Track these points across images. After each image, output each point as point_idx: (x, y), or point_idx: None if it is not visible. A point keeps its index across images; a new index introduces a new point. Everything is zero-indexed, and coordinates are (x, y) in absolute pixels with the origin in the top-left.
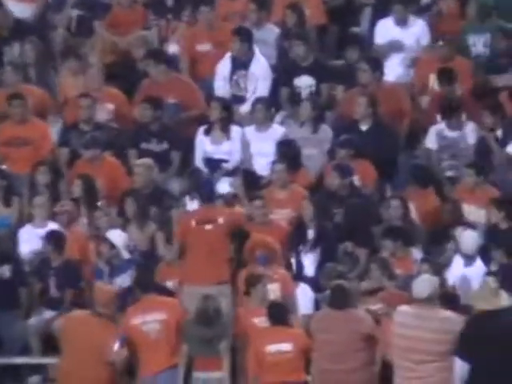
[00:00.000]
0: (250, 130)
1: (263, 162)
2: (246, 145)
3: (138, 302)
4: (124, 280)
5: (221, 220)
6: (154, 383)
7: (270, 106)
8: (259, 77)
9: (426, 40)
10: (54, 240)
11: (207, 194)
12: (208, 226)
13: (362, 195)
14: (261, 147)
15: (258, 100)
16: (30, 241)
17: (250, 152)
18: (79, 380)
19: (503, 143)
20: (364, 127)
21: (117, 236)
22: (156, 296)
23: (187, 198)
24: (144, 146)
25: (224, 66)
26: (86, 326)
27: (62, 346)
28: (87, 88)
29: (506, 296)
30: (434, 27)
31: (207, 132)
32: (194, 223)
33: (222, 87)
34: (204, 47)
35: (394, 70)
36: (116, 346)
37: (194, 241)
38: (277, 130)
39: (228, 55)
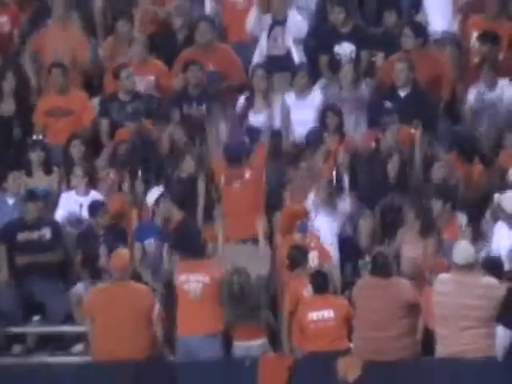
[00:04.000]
0: (289, 98)
1: (303, 130)
2: (286, 112)
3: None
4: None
5: (247, 175)
6: (193, 346)
7: (310, 72)
8: (295, 33)
9: None
10: (97, 210)
11: (233, 156)
12: (236, 184)
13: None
14: (301, 114)
15: (299, 67)
16: (68, 206)
17: (289, 120)
18: (115, 349)
19: None
20: (403, 93)
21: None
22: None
23: None
24: (185, 109)
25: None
26: (113, 296)
27: (92, 318)
28: (131, 59)
29: None
30: None
31: (248, 102)
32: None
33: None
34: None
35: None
36: (156, 308)
37: (225, 199)
38: (316, 97)
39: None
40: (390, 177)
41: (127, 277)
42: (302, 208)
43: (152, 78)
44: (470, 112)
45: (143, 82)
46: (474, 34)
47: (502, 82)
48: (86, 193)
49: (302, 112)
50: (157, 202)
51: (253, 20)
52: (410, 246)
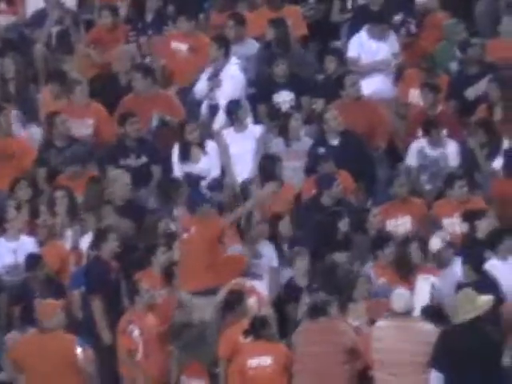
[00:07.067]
0: (228, 132)
1: (244, 161)
2: (225, 150)
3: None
4: None
5: (193, 230)
6: None
7: (247, 107)
8: (228, 81)
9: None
10: (34, 263)
11: (188, 204)
12: (185, 236)
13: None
14: (241, 146)
15: (236, 102)
16: (1, 254)
17: (229, 156)
18: None
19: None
20: (335, 141)
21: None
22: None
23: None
24: (122, 161)
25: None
26: (39, 346)
27: (22, 367)
28: (74, 105)
29: (484, 299)
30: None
31: (182, 154)
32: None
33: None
34: (179, 46)
35: (374, 84)
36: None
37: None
38: (255, 129)
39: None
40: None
41: (56, 326)
42: (238, 255)
43: (91, 121)
44: (408, 169)
45: (83, 126)
46: (412, 89)
47: (445, 140)
48: (16, 238)
49: (241, 144)
50: (91, 247)
51: (202, 84)
52: None
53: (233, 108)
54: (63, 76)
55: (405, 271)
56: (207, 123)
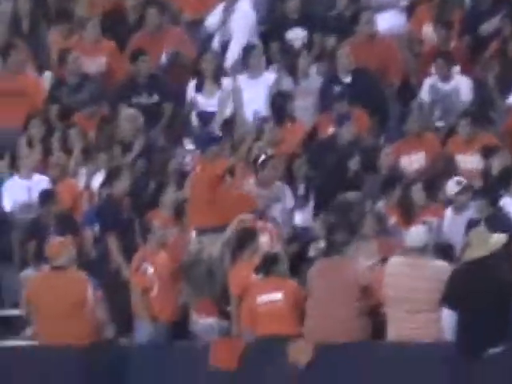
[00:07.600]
0: (242, 78)
1: (256, 106)
2: (238, 93)
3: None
4: None
5: (198, 169)
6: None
7: (261, 52)
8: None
9: None
10: (47, 199)
11: (198, 143)
12: (192, 173)
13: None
14: (253, 93)
15: (251, 47)
16: (15, 192)
17: (242, 100)
18: (58, 337)
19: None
20: (347, 79)
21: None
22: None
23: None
24: (134, 100)
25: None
26: (51, 284)
27: (34, 305)
28: (85, 42)
29: (497, 237)
30: None
31: (198, 87)
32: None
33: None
34: None
35: (387, 21)
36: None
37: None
38: (269, 77)
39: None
40: (350, 173)
41: (66, 264)
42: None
43: (104, 59)
44: (421, 104)
45: (94, 64)
46: (425, 24)
47: (457, 75)
48: (29, 176)
49: (254, 90)
50: (102, 186)
51: (214, 18)
52: None
53: (247, 53)
54: (71, 15)
55: (407, 213)
56: (219, 59)
